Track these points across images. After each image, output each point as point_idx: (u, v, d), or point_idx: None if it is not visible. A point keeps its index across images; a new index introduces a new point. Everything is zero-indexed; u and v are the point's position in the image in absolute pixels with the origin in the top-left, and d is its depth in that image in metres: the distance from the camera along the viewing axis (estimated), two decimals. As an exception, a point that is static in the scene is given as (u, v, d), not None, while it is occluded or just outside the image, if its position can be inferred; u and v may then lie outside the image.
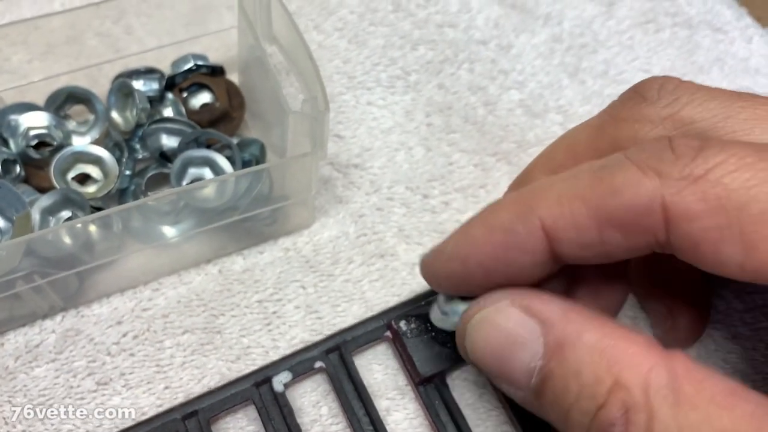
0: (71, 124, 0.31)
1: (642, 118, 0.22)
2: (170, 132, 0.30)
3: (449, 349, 0.26)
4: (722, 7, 0.40)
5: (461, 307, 0.23)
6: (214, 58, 0.33)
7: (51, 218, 0.28)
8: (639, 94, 0.23)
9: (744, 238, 0.17)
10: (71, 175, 0.30)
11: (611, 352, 0.18)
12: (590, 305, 0.26)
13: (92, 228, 0.28)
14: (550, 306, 0.20)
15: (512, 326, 0.21)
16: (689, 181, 0.18)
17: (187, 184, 0.30)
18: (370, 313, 0.29)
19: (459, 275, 0.22)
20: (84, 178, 0.30)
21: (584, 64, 0.37)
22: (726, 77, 0.37)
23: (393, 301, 0.29)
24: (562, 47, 0.37)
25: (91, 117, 0.31)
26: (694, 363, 0.18)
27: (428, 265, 0.24)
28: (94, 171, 0.30)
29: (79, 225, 0.27)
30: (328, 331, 0.28)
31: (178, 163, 0.29)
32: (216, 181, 0.27)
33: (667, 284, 0.28)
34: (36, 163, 0.30)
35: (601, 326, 0.19)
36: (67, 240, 0.27)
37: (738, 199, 0.17)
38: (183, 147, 0.30)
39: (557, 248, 0.20)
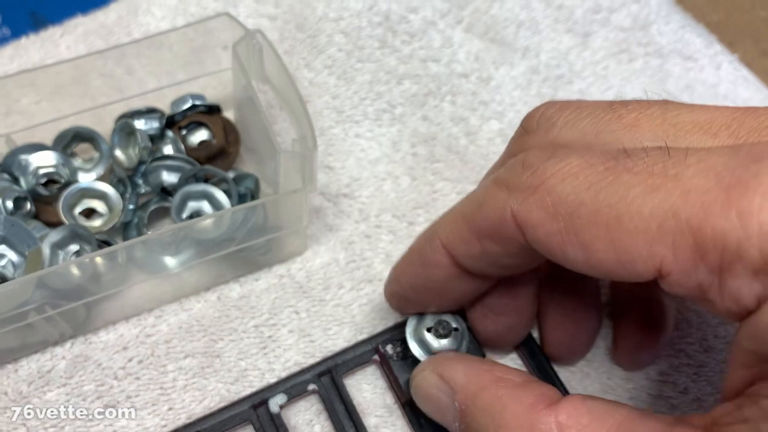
0: (77, 162, 0.33)
1: (527, 150, 0.24)
2: (170, 168, 0.32)
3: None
4: (692, 36, 0.42)
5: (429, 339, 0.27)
6: (211, 95, 0.35)
7: (60, 252, 0.30)
8: (523, 127, 0.25)
9: (580, 239, 0.18)
10: (78, 210, 0.32)
11: (500, 415, 0.20)
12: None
13: (99, 260, 0.30)
14: (456, 371, 0.23)
15: (434, 392, 0.24)
16: (530, 192, 0.20)
17: (187, 217, 0.32)
18: (359, 336, 0.31)
19: (399, 293, 0.27)
20: (90, 213, 0.32)
21: (560, 94, 0.39)
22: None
23: (381, 324, 0.31)
24: (539, 78, 0.39)
25: (96, 155, 0.33)
26: (582, 405, 0.20)
27: (384, 289, 0.28)
28: (99, 206, 0.32)
29: (87, 260, 0.29)
30: (320, 354, 0.30)
31: (178, 197, 0.31)
32: (214, 216, 0.29)
33: (623, 308, 0.30)
34: (45, 199, 0.32)
35: (496, 388, 0.21)
36: (76, 273, 0.29)
37: (569, 204, 0.18)
38: (182, 182, 0.32)
39: (459, 260, 0.23)
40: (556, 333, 0.28)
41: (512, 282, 0.26)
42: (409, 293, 0.26)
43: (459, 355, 0.26)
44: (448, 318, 0.28)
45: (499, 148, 0.37)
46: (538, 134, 0.23)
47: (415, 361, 0.28)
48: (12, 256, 0.29)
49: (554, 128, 0.23)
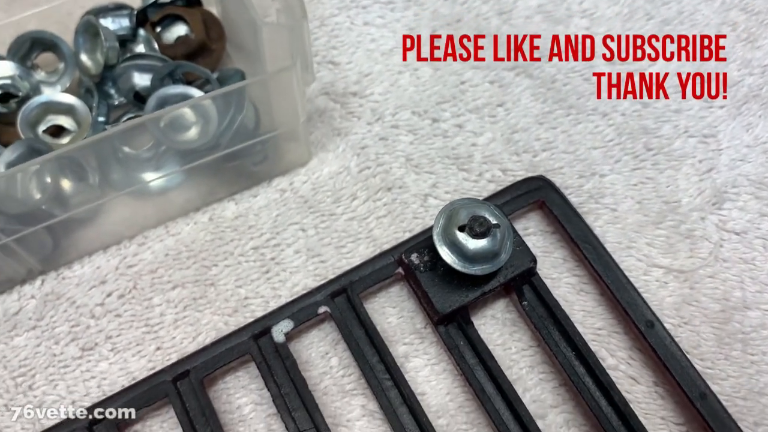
0: (40, 75, 0.29)
1: None
2: (142, 69, 0.27)
3: (471, 280, 0.23)
4: None
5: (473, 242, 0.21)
6: (190, -10, 0.30)
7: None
8: None
9: None
10: (42, 128, 0.27)
11: None
12: None
13: (65, 183, 0.25)
14: None
15: None
16: None
17: (165, 125, 0.26)
18: (379, 252, 0.25)
19: None
20: (57, 131, 0.27)
21: (610, -42, 0.32)
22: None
23: (404, 237, 0.26)
24: (582, -58, 0.33)
25: (61, 65, 0.29)
26: None
27: None
28: (66, 121, 0.27)
29: (48, 179, 0.24)
30: (334, 276, 0.25)
31: (152, 101, 0.26)
32: (189, 104, 0.24)
33: None
34: (5, 118, 0.27)
35: None
36: (36, 194, 0.24)
37: None
38: (157, 84, 0.26)
39: None
40: None
41: None
42: None
43: None
44: (484, 212, 0.22)
45: (539, 26, 0.31)
46: None
47: (448, 271, 0.23)
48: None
49: None
